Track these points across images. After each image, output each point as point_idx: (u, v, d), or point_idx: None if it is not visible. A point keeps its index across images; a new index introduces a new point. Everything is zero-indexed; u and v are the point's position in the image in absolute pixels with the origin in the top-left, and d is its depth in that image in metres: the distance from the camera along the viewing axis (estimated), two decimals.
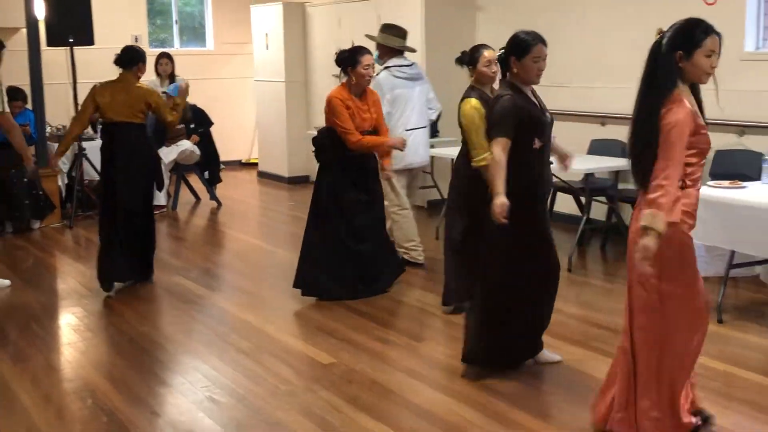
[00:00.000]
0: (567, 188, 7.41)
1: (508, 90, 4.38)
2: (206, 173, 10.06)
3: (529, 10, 8.71)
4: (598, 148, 7.76)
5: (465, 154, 5.28)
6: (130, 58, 6.34)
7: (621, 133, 7.46)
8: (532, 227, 4.42)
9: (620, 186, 7.38)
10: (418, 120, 6.90)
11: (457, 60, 5.44)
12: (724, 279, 5.54)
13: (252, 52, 12.01)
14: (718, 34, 3.54)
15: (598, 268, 6.98)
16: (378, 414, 4.13)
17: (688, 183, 3.52)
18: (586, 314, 5.56)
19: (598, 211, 7.64)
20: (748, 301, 5.92)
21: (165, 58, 9.70)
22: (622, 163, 7.32)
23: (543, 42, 4.38)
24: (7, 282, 6.53)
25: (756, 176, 5.81)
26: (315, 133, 10.17)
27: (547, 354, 4.71)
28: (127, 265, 6.32)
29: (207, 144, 9.88)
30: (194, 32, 13.10)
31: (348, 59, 5.92)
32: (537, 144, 4.35)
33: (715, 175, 6.50)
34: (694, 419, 3.70)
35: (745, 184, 5.52)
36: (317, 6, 11.17)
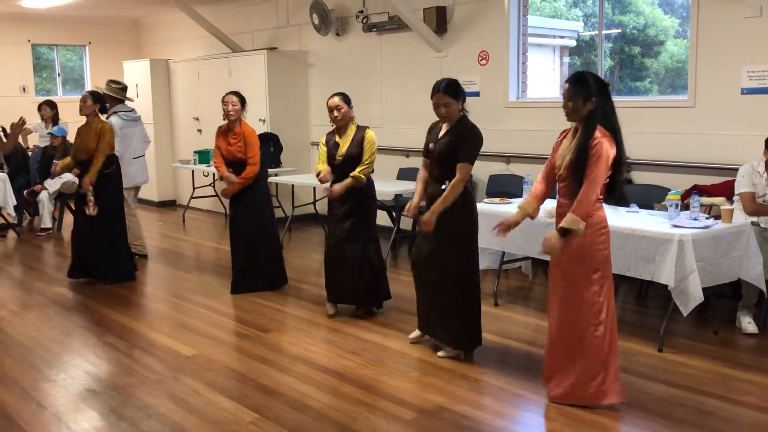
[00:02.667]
0: (381, 206, 7.48)
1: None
2: None
3: (346, 69, 8.79)
4: (404, 174, 7.90)
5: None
6: None
7: (419, 162, 7.71)
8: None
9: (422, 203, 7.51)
10: (141, 150, 7.41)
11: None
12: (498, 272, 5.75)
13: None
14: (569, 83, 3.67)
15: (407, 267, 7.07)
16: (232, 395, 3.99)
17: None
18: (397, 303, 5.61)
19: (406, 222, 7.80)
20: (515, 288, 6.17)
21: (45, 105, 9.34)
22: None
23: (440, 91, 4.31)
24: None
25: (519, 194, 6.06)
26: (179, 165, 10.01)
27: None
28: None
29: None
30: (75, 83, 12.54)
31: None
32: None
33: (489, 194, 6.75)
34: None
35: (510, 200, 5.74)
36: (179, 62, 10.83)
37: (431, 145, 4.44)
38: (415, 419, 3.66)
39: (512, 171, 7.05)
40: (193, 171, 9.94)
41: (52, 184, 8.98)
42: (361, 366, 4.39)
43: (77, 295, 6.12)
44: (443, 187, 4.34)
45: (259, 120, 9.13)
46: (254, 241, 5.96)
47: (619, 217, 5.05)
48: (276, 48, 9.46)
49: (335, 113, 5.16)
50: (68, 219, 9.33)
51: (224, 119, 5.97)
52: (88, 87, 12.35)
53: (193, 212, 10.32)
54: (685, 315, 4.51)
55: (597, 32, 6.83)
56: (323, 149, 5.28)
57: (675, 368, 4.27)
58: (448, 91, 4.31)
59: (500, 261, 5.67)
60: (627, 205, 5.53)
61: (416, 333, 4.77)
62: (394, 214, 7.44)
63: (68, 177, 9.04)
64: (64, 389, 4.15)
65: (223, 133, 6.02)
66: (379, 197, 7.31)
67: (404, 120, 8.14)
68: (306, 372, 4.32)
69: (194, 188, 9.94)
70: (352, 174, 5.09)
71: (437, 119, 4.47)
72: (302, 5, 9.18)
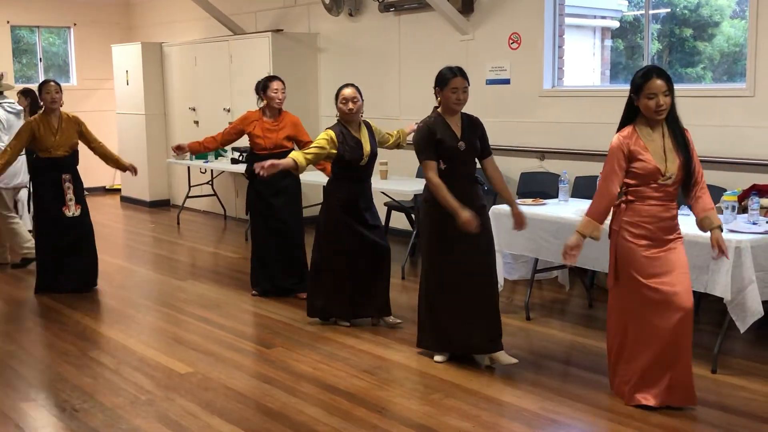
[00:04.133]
0: (399, 207, 7.49)
1: (430, 118, 4.58)
2: None
3: (360, 54, 8.80)
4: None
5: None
6: None
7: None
8: (444, 234, 4.54)
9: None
10: None
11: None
12: (530, 282, 5.73)
13: (113, 88, 11.64)
14: (662, 76, 3.80)
15: None
16: (231, 417, 4.00)
17: (631, 198, 3.92)
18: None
19: None
20: (550, 300, 6.14)
21: (20, 94, 9.49)
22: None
23: (462, 75, 4.52)
24: None
25: (555, 194, 6.04)
26: (174, 161, 10.08)
27: None
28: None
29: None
30: (59, 69, 12.65)
31: (260, 85, 6.14)
32: (442, 165, 4.49)
33: (521, 194, 6.73)
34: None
35: (545, 201, 5.72)
36: (173, 46, 10.90)
37: (461, 144, 4.50)
38: None
39: (546, 168, 7.02)
40: (189, 167, 10.00)
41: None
42: (375, 386, 4.39)
43: (60, 306, 6.16)
44: (486, 187, 4.64)
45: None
46: (297, 240, 6.21)
47: None
48: (282, 30, 9.49)
49: (350, 105, 5.20)
50: None
51: (262, 108, 6.16)
52: (73, 73, 12.46)
53: (189, 213, 10.38)
54: (742, 332, 4.46)
55: (643, 12, 6.78)
56: (326, 142, 5.15)
57: (731, 392, 4.24)
58: (465, 75, 4.54)
59: (533, 270, 5.64)
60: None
61: (442, 357, 4.76)
62: (413, 215, 7.42)
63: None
64: (44, 410, 4.18)
65: (258, 120, 6.11)
66: (396, 197, 7.35)
67: (425, 111, 8.07)
68: (314, 393, 4.32)
69: (190, 186, 9.99)
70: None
71: (432, 116, 4.59)
72: None
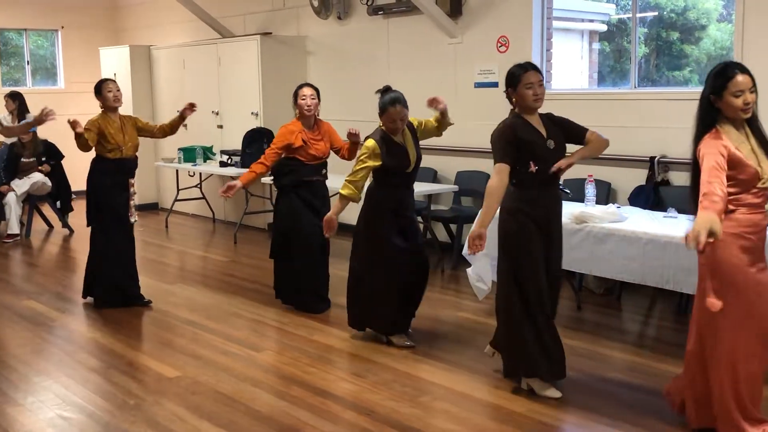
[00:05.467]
0: None
1: (508, 120, 4.17)
2: (58, 203, 9.58)
3: (349, 57, 8.80)
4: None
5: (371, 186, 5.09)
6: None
7: (435, 162, 7.72)
8: (533, 245, 4.14)
9: (432, 207, 7.54)
10: None
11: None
12: None
13: None
14: (747, 72, 3.50)
15: None
16: (220, 421, 4.00)
17: (731, 207, 3.46)
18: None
19: None
20: None
21: (7, 97, 9.44)
22: (434, 187, 7.52)
23: (534, 68, 4.13)
24: None
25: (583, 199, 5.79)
26: (162, 163, 10.05)
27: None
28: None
29: (58, 175, 9.44)
30: (47, 72, 12.59)
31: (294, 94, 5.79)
32: (533, 167, 4.08)
33: None
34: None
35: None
36: (162, 49, 10.87)
37: (551, 143, 4.13)
38: None
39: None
40: (177, 171, 9.97)
41: (20, 185, 9.04)
42: (364, 390, 4.38)
43: (48, 310, 6.13)
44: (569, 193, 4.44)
45: (252, 113, 9.15)
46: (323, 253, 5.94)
47: (656, 223, 5.05)
48: (270, 33, 9.48)
49: (399, 124, 4.97)
50: (37, 225, 9.41)
51: (298, 116, 5.76)
52: (61, 76, 12.40)
53: (178, 217, 10.35)
54: None
55: (630, 15, 6.82)
56: (367, 157, 4.87)
57: None
58: (539, 70, 4.16)
59: None
60: (665, 210, 5.53)
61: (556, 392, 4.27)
62: None
63: (38, 177, 9.13)
64: (32, 414, 4.16)
65: (300, 132, 5.71)
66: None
67: (415, 113, 8.12)
68: (303, 396, 4.31)
69: (179, 190, 9.95)
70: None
71: (510, 118, 4.16)
72: None
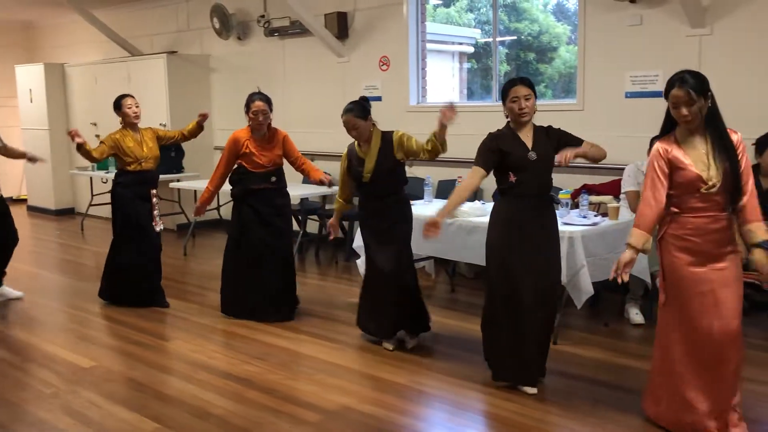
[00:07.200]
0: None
1: (500, 130, 3.91)
2: None
3: (248, 74, 8.68)
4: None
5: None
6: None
7: (328, 167, 7.70)
8: (508, 249, 3.85)
9: (327, 207, 7.53)
10: None
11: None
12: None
13: (17, 105, 11.01)
14: (683, 85, 3.14)
15: (314, 270, 7.05)
16: (132, 405, 3.86)
17: (674, 210, 3.27)
18: (303, 307, 5.57)
19: (311, 226, 7.76)
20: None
21: None
22: (327, 189, 7.48)
23: (522, 82, 3.82)
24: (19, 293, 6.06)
25: (421, 195, 6.12)
26: (77, 171, 9.63)
27: None
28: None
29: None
30: None
31: (246, 104, 5.17)
32: (512, 178, 3.84)
33: None
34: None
35: (413, 202, 5.78)
36: (75, 66, 10.42)
37: (532, 154, 3.80)
38: (320, 421, 3.64)
39: (414, 173, 7.13)
40: (91, 178, 9.59)
41: None
42: (266, 371, 4.33)
43: None
44: (558, 201, 3.93)
45: (160, 125, 8.88)
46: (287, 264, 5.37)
47: None
48: (176, 52, 9.23)
49: (353, 133, 4.54)
50: None
51: (250, 126, 5.19)
52: None
53: (93, 220, 9.94)
54: (578, 308, 4.69)
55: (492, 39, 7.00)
56: (341, 165, 4.66)
57: (569, 359, 4.42)
58: (526, 83, 3.83)
59: None
60: None
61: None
62: (300, 217, 7.39)
63: None
64: None
65: (249, 139, 5.19)
66: None
67: (308, 125, 8.10)
68: (209, 379, 4.22)
69: (93, 195, 9.56)
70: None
71: (503, 129, 3.91)
72: (203, 9, 9.00)
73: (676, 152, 3.22)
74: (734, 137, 3.21)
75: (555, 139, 3.88)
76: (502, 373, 4.00)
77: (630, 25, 5.80)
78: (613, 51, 5.92)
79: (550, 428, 3.54)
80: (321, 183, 5.24)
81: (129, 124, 5.66)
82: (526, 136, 3.86)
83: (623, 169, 5.37)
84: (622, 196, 5.34)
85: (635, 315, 5.08)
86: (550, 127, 3.94)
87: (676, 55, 5.57)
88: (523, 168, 3.81)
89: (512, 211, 3.85)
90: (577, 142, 3.89)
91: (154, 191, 5.69)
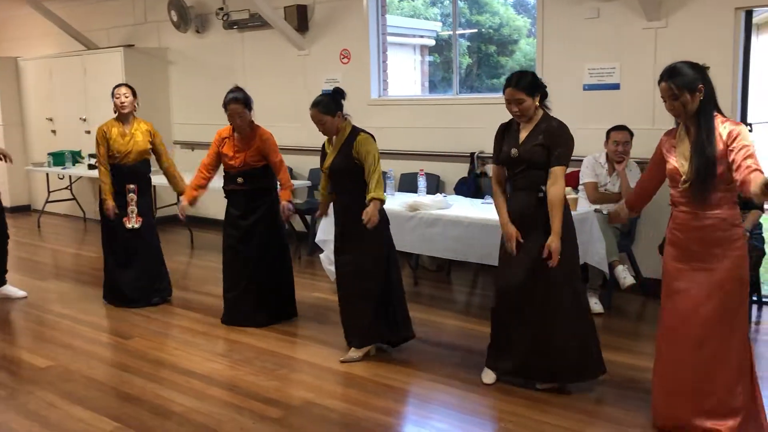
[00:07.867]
0: None
1: (511, 120, 3.88)
2: None
3: (207, 67, 8.58)
4: None
5: None
6: None
7: (291, 161, 7.64)
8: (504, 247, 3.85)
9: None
10: None
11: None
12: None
13: None
14: (667, 80, 3.16)
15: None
16: (91, 405, 3.81)
17: (670, 204, 3.32)
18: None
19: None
20: None
21: None
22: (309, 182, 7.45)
23: (510, 85, 3.71)
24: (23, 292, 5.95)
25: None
26: (33, 167, 9.44)
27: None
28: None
29: None
30: None
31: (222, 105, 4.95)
32: (506, 173, 3.88)
33: None
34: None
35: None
36: (29, 60, 10.19)
37: (514, 151, 3.75)
38: (283, 417, 3.63)
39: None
40: (47, 174, 9.39)
41: None
42: (228, 368, 4.31)
43: None
44: (540, 195, 3.72)
45: None
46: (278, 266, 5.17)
47: (476, 209, 5.25)
48: (133, 45, 9.08)
49: (320, 127, 4.38)
50: None
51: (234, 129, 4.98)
52: None
53: (49, 217, 9.75)
54: None
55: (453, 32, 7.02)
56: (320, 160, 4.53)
57: None
58: (520, 86, 3.69)
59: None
60: (483, 197, 5.76)
61: (491, 376, 4.02)
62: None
63: None
64: None
65: (229, 138, 5.01)
66: None
67: (269, 119, 8.02)
68: (170, 377, 4.18)
69: (49, 192, 9.38)
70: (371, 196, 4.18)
71: (510, 121, 3.88)
72: (160, 1, 8.86)
73: (669, 144, 3.26)
74: (731, 129, 3.09)
75: (548, 143, 3.71)
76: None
77: (587, 18, 5.87)
78: (571, 44, 5.98)
79: (519, 420, 3.58)
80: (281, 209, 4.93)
81: (121, 115, 5.51)
82: (525, 132, 3.79)
83: (581, 161, 5.44)
84: (580, 187, 5.41)
85: (594, 305, 5.16)
86: (551, 126, 3.74)
87: (632, 47, 5.65)
88: (506, 163, 3.82)
89: (511, 204, 3.84)
90: (550, 162, 3.69)
91: (131, 186, 5.46)
